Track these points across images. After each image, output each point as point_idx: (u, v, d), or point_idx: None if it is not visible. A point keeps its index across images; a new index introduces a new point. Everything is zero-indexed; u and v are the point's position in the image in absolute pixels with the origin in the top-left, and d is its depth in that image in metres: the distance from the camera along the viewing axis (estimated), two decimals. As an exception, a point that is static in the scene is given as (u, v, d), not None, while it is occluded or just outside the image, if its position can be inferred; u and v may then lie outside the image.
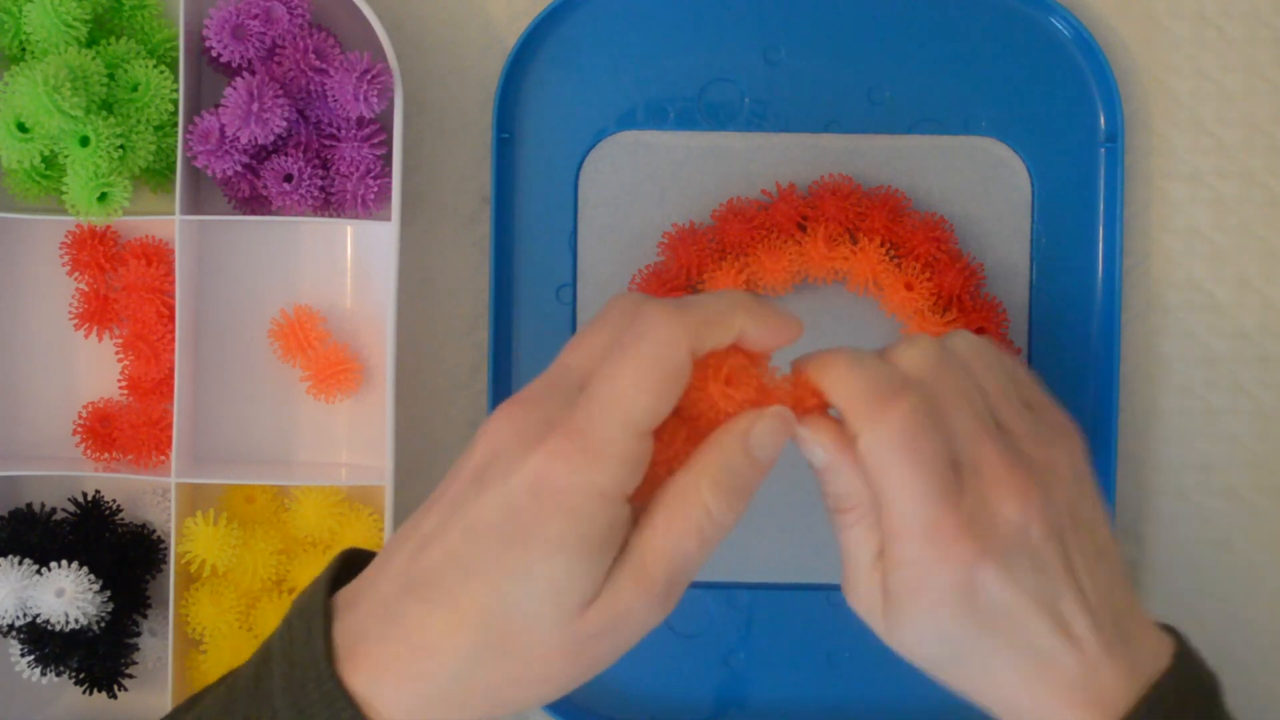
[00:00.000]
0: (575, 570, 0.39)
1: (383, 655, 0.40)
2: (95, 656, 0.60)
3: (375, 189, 0.59)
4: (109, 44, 0.59)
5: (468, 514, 0.40)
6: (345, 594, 0.42)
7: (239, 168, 0.59)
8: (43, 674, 0.60)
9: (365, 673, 0.40)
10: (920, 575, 0.42)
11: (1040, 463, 0.44)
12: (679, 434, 0.42)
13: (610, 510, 0.39)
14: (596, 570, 0.39)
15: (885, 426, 0.42)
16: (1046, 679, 0.43)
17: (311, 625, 0.41)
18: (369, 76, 0.57)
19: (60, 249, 0.62)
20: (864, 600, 0.45)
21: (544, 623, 0.39)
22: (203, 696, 0.44)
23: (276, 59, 0.59)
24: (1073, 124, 0.62)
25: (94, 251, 0.61)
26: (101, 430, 0.62)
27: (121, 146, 0.58)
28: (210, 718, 0.43)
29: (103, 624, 0.59)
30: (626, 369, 0.40)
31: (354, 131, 0.60)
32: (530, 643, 0.40)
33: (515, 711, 0.41)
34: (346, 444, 0.63)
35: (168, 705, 0.61)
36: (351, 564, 0.44)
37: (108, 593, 0.59)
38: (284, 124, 0.57)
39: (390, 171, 0.59)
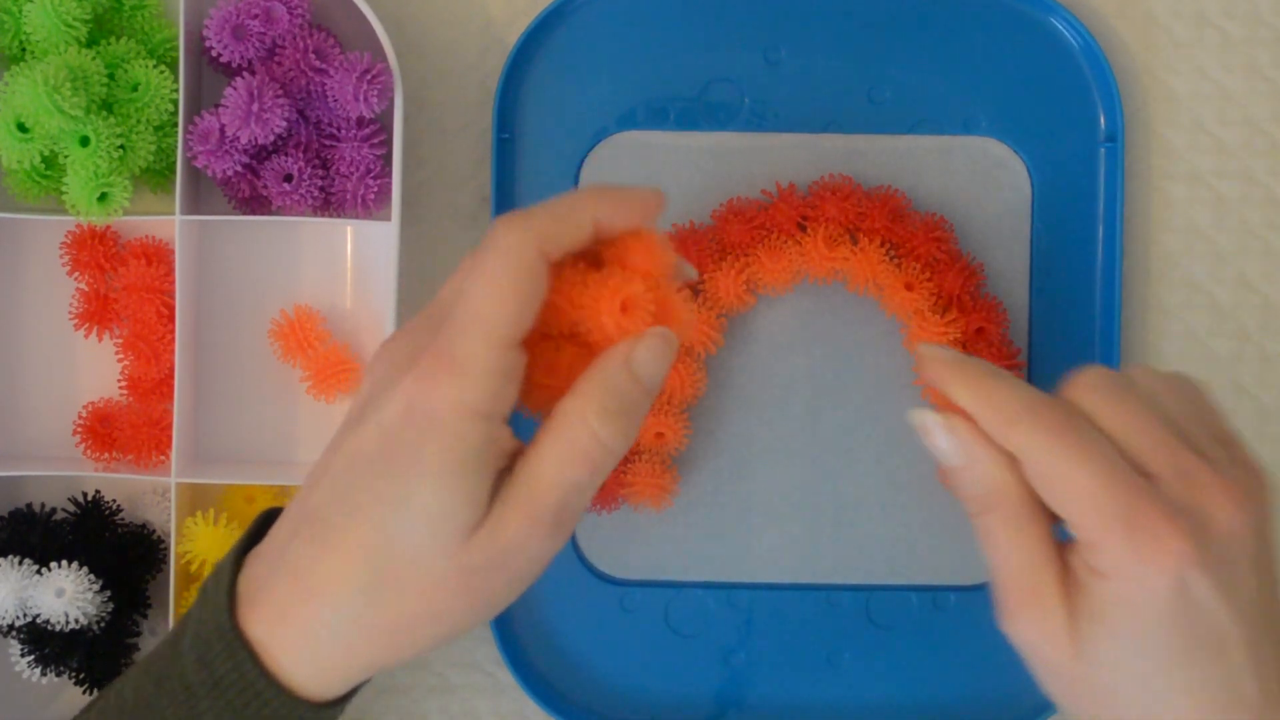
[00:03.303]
0: (450, 494, 0.38)
1: (278, 601, 0.40)
2: (95, 656, 0.60)
3: (375, 189, 0.59)
4: (109, 44, 0.59)
5: (347, 448, 0.40)
6: (257, 548, 0.43)
7: (239, 168, 0.59)
8: (43, 674, 0.60)
9: (263, 619, 0.40)
10: (1129, 580, 0.39)
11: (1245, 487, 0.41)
12: (577, 359, 0.41)
13: (482, 428, 0.38)
14: (474, 493, 0.38)
15: (1048, 427, 0.40)
16: None
17: (220, 579, 0.42)
18: (369, 76, 0.57)
19: (60, 249, 0.62)
20: (1032, 623, 0.41)
21: (428, 554, 0.39)
22: (132, 668, 0.45)
23: (276, 59, 0.59)
24: (1073, 124, 0.62)
25: (94, 251, 0.62)
26: (101, 430, 0.62)
27: (121, 146, 0.58)
28: (131, 682, 0.43)
29: (103, 624, 0.59)
30: (479, 282, 0.39)
31: (354, 131, 0.60)
32: (418, 577, 0.39)
33: (416, 653, 0.41)
34: (346, 444, 0.63)
35: (168, 705, 0.61)
36: (271, 522, 0.44)
37: (108, 593, 0.59)
38: (284, 124, 0.57)
39: (390, 171, 0.59)
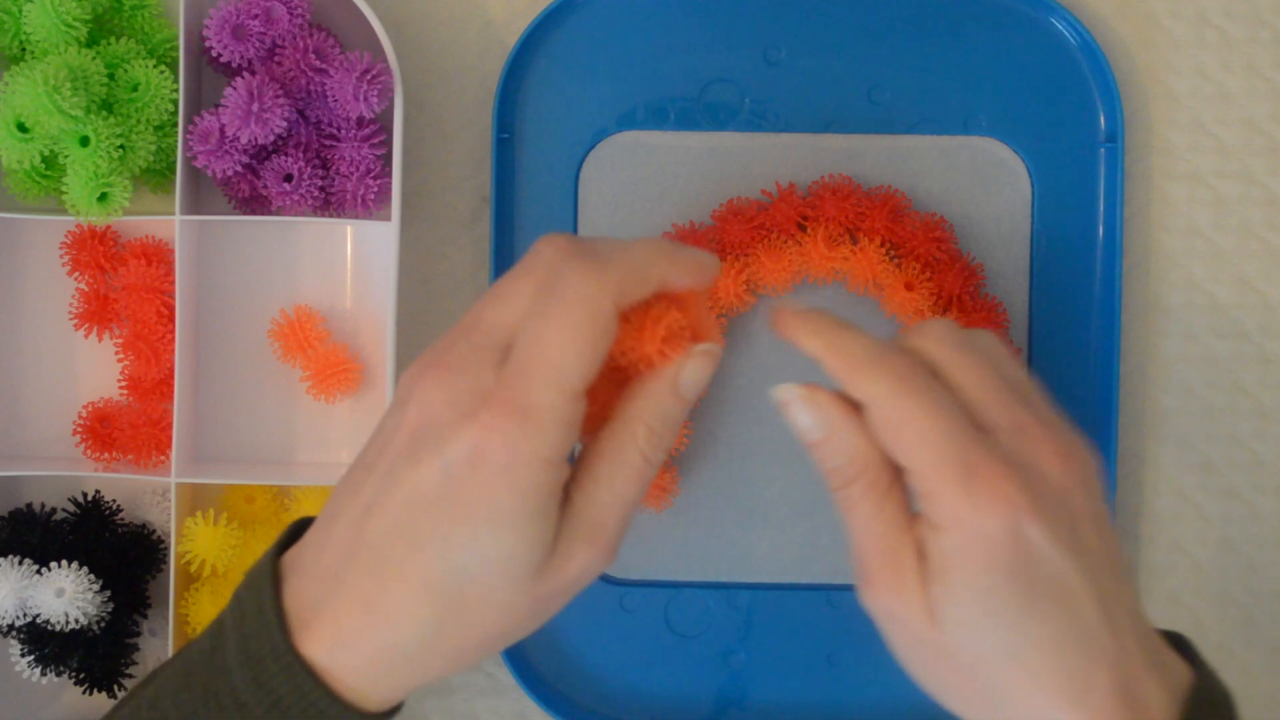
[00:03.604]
0: (523, 539, 0.39)
1: (339, 626, 0.40)
2: (95, 656, 0.60)
3: (375, 189, 0.59)
4: (109, 44, 0.59)
5: (406, 484, 0.40)
6: (290, 561, 0.43)
7: (239, 168, 0.59)
8: (43, 674, 0.60)
9: (322, 642, 0.41)
10: (966, 530, 0.39)
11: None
12: (612, 381, 0.42)
13: (552, 474, 0.39)
14: (545, 534, 0.40)
15: (895, 374, 0.40)
16: (1090, 684, 0.40)
17: (261, 595, 0.42)
18: (369, 76, 0.57)
19: (60, 249, 0.62)
20: (890, 590, 0.41)
21: (499, 590, 0.40)
22: (156, 675, 0.44)
23: (276, 59, 0.59)
24: (1073, 124, 0.62)
25: (94, 251, 0.62)
26: (101, 430, 0.62)
27: (121, 146, 0.58)
28: (168, 694, 0.43)
29: (103, 624, 0.59)
30: (553, 331, 0.39)
31: (354, 131, 0.60)
32: (488, 609, 0.40)
33: (477, 664, 0.42)
34: (346, 444, 0.63)
35: (168, 705, 0.61)
36: (299, 534, 0.44)
37: (108, 593, 0.59)
38: (284, 124, 0.57)
39: (390, 171, 0.59)
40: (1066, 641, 0.40)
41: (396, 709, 0.43)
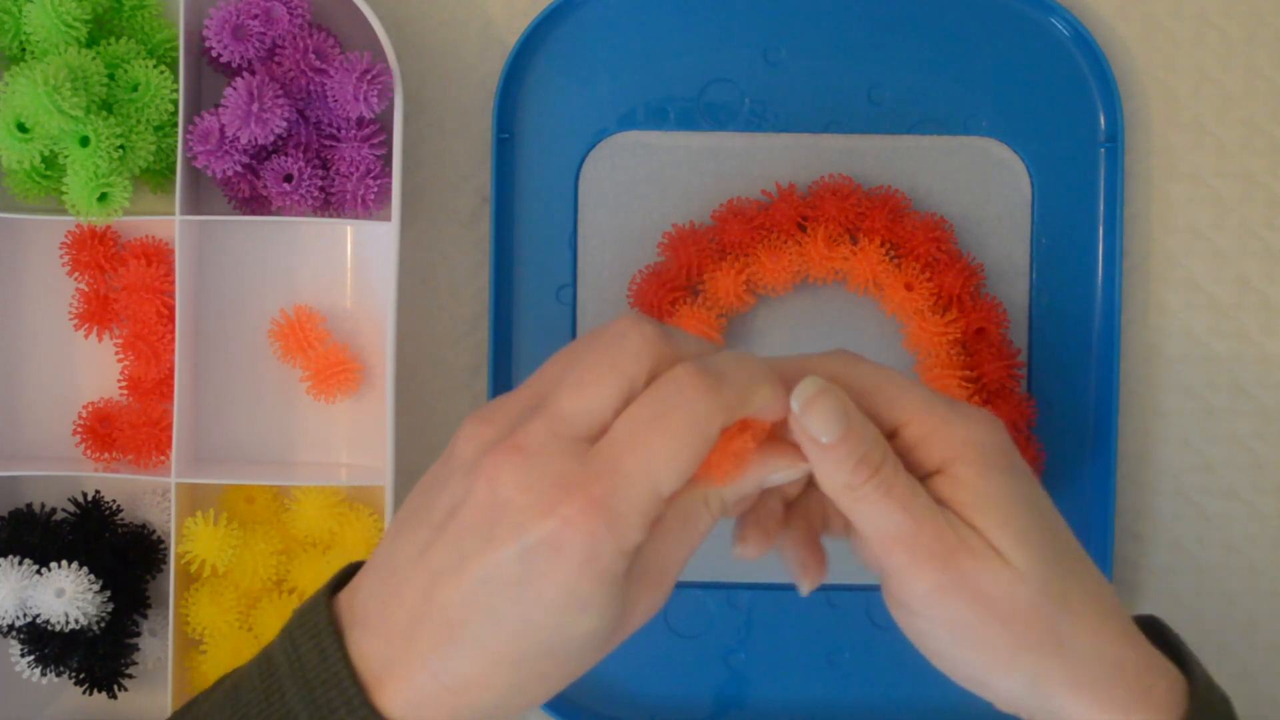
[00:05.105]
0: (604, 618, 0.40)
1: (414, 687, 0.40)
2: (95, 656, 0.60)
3: (375, 189, 0.59)
4: (109, 44, 0.59)
5: (479, 561, 0.40)
6: (349, 609, 0.42)
7: (239, 168, 0.59)
8: (43, 674, 0.60)
9: (396, 702, 0.40)
10: (976, 447, 0.42)
11: None
12: None
13: (631, 559, 0.40)
14: (621, 604, 0.41)
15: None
16: (1118, 611, 0.43)
17: (323, 644, 0.41)
18: (369, 76, 0.57)
19: (60, 249, 0.62)
20: (960, 548, 0.42)
21: (577, 656, 0.41)
22: (197, 704, 0.44)
23: (276, 59, 0.59)
24: (1073, 124, 0.62)
25: (94, 251, 0.62)
26: (101, 430, 0.62)
27: (121, 146, 0.58)
28: None
29: (103, 624, 0.59)
30: (661, 443, 0.40)
31: (354, 131, 0.60)
32: (565, 671, 0.41)
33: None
34: (346, 444, 0.63)
35: (168, 706, 0.61)
36: (349, 577, 0.44)
37: (108, 593, 0.59)
38: (284, 124, 0.57)
39: (390, 171, 0.59)
40: (1085, 557, 0.44)
41: None
